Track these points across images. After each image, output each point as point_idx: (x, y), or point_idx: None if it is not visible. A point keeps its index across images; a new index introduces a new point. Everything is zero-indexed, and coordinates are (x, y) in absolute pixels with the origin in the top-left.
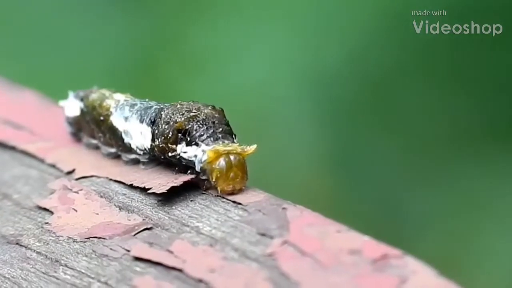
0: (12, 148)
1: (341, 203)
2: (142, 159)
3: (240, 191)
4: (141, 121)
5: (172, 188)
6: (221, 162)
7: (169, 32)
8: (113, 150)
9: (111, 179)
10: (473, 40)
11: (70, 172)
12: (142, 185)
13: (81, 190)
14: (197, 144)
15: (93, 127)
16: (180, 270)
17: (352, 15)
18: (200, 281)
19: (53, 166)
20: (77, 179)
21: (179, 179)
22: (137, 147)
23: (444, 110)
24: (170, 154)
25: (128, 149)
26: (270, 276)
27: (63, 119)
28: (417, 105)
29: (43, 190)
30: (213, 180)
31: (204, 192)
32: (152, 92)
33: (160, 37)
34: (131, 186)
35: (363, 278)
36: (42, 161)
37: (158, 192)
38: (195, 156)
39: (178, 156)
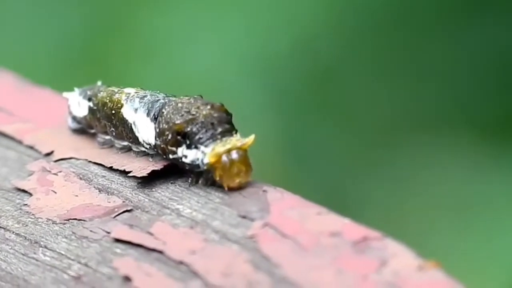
0: None
1: (290, 186)
2: (151, 152)
3: (246, 184)
4: (147, 115)
5: (153, 171)
6: (223, 159)
7: (117, 17)
8: (125, 143)
9: (90, 161)
10: (421, 30)
11: (48, 154)
12: (122, 168)
13: (60, 172)
14: (197, 147)
15: (105, 122)
16: (160, 252)
17: (301, 4)
18: (181, 262)
19: (31, 147)
20: (56, 161)
21: (160, 163)
22: (143, 141)
23: (387, 98)
24: (171, 156)
25: (138, 141)
26: (251, 258)
27: (66, 109)
28: (362, 92)
29: (21, 172)
30: (217, 178)
31: (184, 174)
32: (100, 78)
33: (108, 23)
34: (110, 169)
35: (344, 260)
36: (20, 142)
37: (139, 175)
38: (198, 159)
39: (180, 160)
